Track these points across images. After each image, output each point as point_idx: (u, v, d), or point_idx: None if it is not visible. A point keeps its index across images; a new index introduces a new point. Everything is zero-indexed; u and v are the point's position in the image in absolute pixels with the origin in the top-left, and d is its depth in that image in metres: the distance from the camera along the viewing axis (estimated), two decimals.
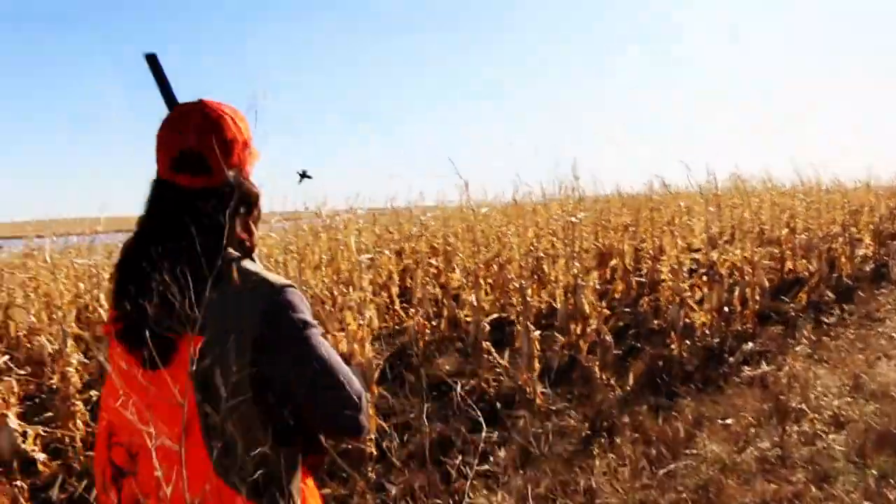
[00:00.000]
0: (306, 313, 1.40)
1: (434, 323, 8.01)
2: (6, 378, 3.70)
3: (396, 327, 8.33)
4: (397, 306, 8.63)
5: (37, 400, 6.07)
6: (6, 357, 4.51)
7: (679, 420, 4.76)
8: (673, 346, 6.26)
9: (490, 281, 9.11)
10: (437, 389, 5.96)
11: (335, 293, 5.66)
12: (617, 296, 8.94)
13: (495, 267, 8.76)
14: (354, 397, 1.40)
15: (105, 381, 1.51)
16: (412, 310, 7.33)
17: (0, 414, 3.58)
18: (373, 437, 4.29)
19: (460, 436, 4.82)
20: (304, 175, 1.82)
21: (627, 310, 8.35)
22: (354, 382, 1.42)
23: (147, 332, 1.25)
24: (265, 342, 1.32)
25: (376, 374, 4.32)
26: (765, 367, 5.88)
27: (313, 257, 8.23)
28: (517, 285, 7.43)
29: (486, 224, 9.98)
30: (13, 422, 3.56)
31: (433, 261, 9.38)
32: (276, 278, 1.41)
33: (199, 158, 1.39)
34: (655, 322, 7.49)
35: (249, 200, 1.48)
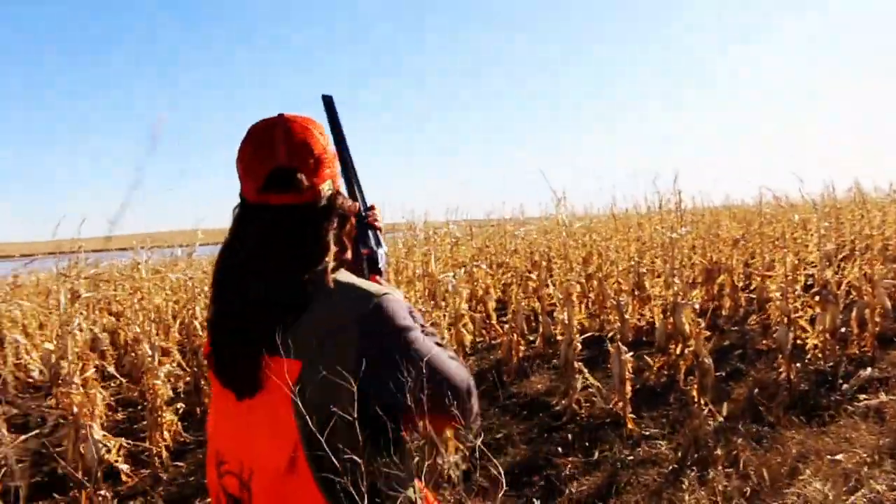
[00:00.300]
0: (405, 318, 1.34)
1: (531, 339, 7.88)
2: (91, 390, 3.84)
3: (492, 342, 8.26)
4: (493, 320, 8.55)
5: (139, 408, 6.36)
6: (108, 366, 4.70)
7: (782, 453, 4.42)
8: (780, 370, 5.87)
9: (591, 296, 8.89)
10: (527, 408, 5.84)
11: (425, 308, 5.63)
12: (724, 313, 8.53)
13: (595, 282, 8.54)
14: (462, 388, 1.35)
15: (211, 406, 1.50)
16: (507, 325, 7.24)
17: (85, 424, 3.71)
18: (451, 459, 4.19)
19: (546, 458, 4.68)
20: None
21: (734, 329, 7.94)
22: (460, 371, 1.37)
23: (239, 361, 1.29)
24: (366, 357, 1.25)
25: None
26: (883, 396, 5.39)
27: (407, 271, 8.24)
28: (615, 302, 7.20)
29: (589, 238, 9.75)
30: (97, 433, 3.69)
31: (532, 275, 9.25)
32: (372, 287, 1.36)
33: (291, 175, 1.34)
34: (763, 342, 7.07)
35: (345, 215, 1.44)
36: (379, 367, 1.26)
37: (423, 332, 1.36)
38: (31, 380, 7.11)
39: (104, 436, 3.73)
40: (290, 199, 1.34)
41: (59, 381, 3.86)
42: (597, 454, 4.68)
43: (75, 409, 3.80)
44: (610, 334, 5.49)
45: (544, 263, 8.66)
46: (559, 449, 4.81)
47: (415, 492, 1.41)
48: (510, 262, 9.42)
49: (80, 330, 5.89)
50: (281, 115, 1.40)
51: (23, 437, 4.16)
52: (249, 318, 1.31)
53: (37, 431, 4.95)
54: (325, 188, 1.38)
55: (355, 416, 1.20)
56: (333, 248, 1.38)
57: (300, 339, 1.25)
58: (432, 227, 9.65)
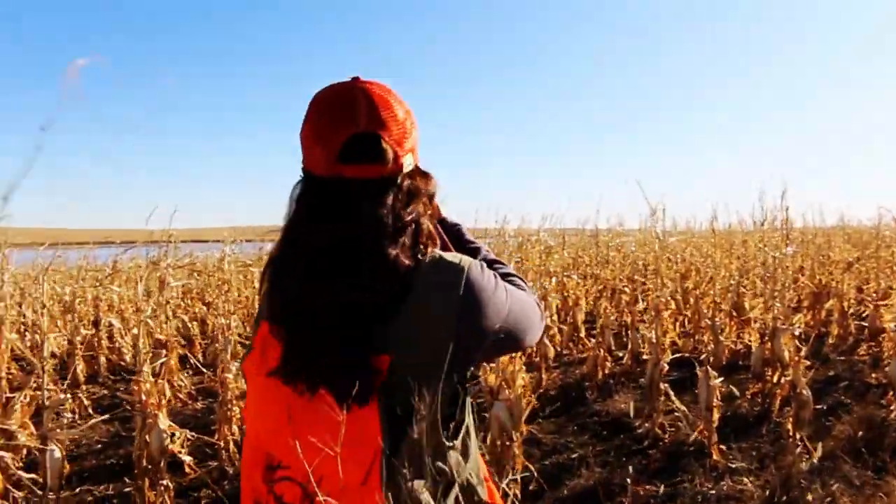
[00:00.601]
0: (490, 280, 1.20)
1: (619, 355, 7.58)
2: (162, 378, 3.89)
3: (578, 356, 8.00)
4: (581, 333, 8.29)
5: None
6: (196, 356, 4.77)
7: (885, 503, 4.02)
8: (891, 408, 5.39)
9: (686, 314, 8.48)
10: (608, 428, 5.58)
11: None
12: (830, 342, 7.96)
13: (692, 300, 8.14)
14: (538, 331, 1.32)
15: (256, 402, 1.28)
16: (595, 339, 6.98)
17: (152, 413, 3.74)
18: (518, 478, 4.02)
19: (622, 485, 4.42)
20: None
21: (841, 359, 7.38)
22: (536, 312, 1.31)
23: (344, 369, 1.11)
24: (462, 338, 1.13)
25: (527, 412, 4.04)
26: None
27: None
28: (710, 322, 6.82)
29: (689, 253, 9.33)
30: (163, 422, 3.72)
31: (626, 288, 8.93)
32: (457, 259, 1.20)
33: (372, 143, 1.17)
34: (873, 376, 6.53)
35: (430, 192, 1.27)
36: (474, 341, 1.16)
37: (497, 281, 1.23)
38: (122, 363, 7.38)
39: (169, 426, 3.76)
40: (370, 171, 1.17)
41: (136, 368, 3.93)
42: (676, 484, 4.39)
43: (143, 397, 3.84)
44: (702, 356, 5.16)
45: (638, 277, 8.33)
46: (636, 475, 4.55)
47: (479, 481, 1.30)
48: (602, 273, 9.12)
49: (168, 319, 6.06)
50: (357, 78, 1.23)
51: (94, 420, 4.27)
52: (344, 318, 1.12)
53: (105, 416, 5.06)
54: (408, 161, 1.21)
55: (440, 396, 1.13)
56: (428, 230, 1.23)
57: (390, 331, 1.11)
58: (525, 234, 9.47)
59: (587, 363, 6.94)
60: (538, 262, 7.88)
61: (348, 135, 1.16)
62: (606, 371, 6.83)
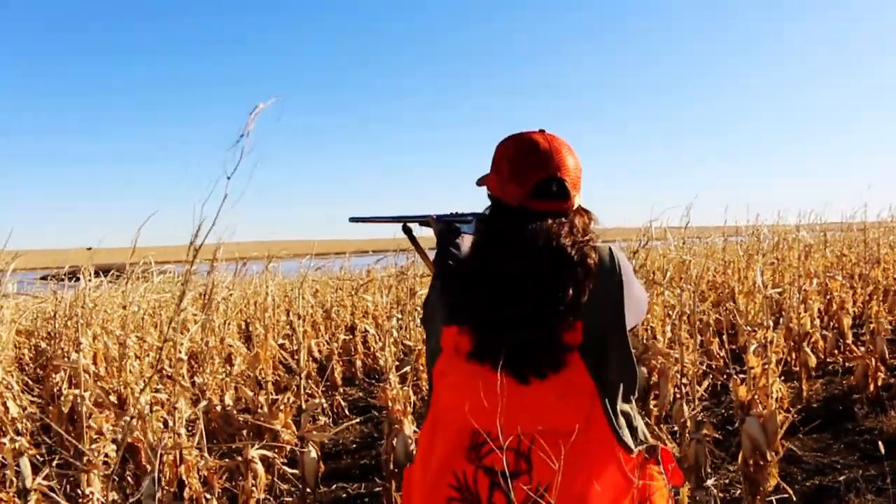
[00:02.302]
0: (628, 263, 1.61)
1: (893, 364, 6.71)
2: (405, 386, 4.04)
3: (846, 365, 7.20)
4: (848, 340, 7.45)
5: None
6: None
7: None
8: None
9: None
10: (882, 448, 4.94)
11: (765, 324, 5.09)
12: None
13: None
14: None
15: (449, 392, 1.60)
16: (864, 346, 6.24)
17: (397, 419, 3.93)
18: (773, 500, 3.68)
19: None
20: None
21: None
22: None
23: (543, 355, 1.45)
24: (620, 302, 1.51)
25: (784, 427, 3.69)
26: None
27: (747, 282, 7.52)
28: None
29: None
30: (408, 428, 3.89)
31: None
32: (602, 245, 1.55)
33: (557, 184, 1.51)
34: None
35: (590, 222, 1.59)
36: (624, 302, 1.51)
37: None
38: (377, 367, 7.87)
39: (415, 431, 3.94)
40: (552, 206, 1.51)
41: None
42: None
43: (390, 403, 4.05)
44: None
45: None
46: None
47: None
48: (872, 274, 8.13)
49: (416, 326, 6.35)
50: (542, 131, 1.58)
51: (347, 423, 4.57)
52: (549, 315, 1.45)
53: (359, 418, 5.41)
54: (577, 200, 1.56)
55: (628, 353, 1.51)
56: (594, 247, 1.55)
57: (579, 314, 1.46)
58: (781, 232, 8.76)
59: (855, 373, 6.21)
60: (796, 262, 7.19)
61: (540, 177, 1.51)
62: (879, 383, 6.06)
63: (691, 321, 3.63)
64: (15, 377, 4.89)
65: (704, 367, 4.19)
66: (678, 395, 3.94)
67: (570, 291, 1.43)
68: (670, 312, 4.59)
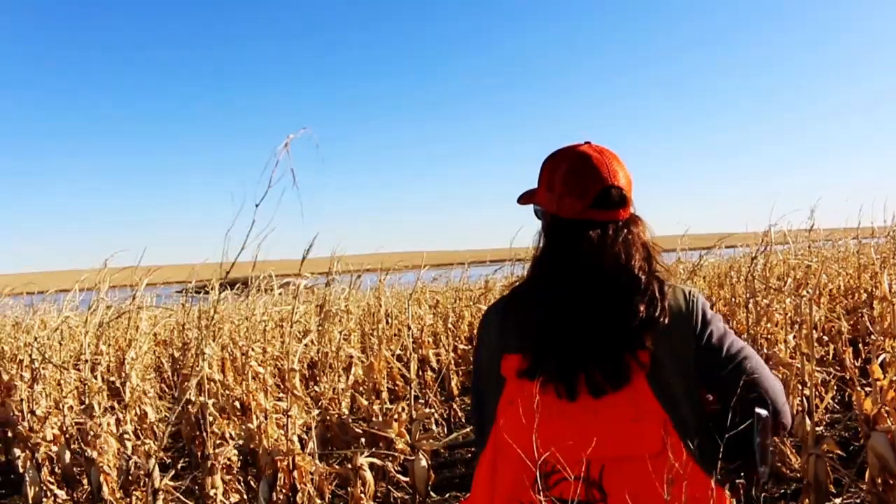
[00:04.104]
0: (716, 313, 1.57)
1: None
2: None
3: None
4: None
5: None
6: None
7: None
8: None
9: None
10: None
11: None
12: None
13: None
14: (776, 380, 1.53)
15: (513, 422, 1.50)
16: None
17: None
18: None
19: None
20: None
21: None
22: (781, 389, 1.53)
23: (606, 363, 1.44)
24: (700, 337, 1.50)
25: None
26: None
27: (882, 286, 6.95)
28: None
29: None
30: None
31: None
32: (684, 286, 1.57)
33: (616, 194, 1.53)
34: None
35: (645, 230, 1.59)
36: (710, 344, 1.50)
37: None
38: None
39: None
40: (613, 215, 1.53)
41: None
42: None
43: None
44: None
45: None
46: None
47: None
48: None
49: None
50: (589, 143, 1.60)
51: (455, 434, 4.58)
52: (614, 326, 1.45)
53: (468, 430, 5.41)
54: (630, 209, 1.58)
55: (697, 391, 1.51)
56: (657, 259, 1.56)
57: (650, 334, 1.45)
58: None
59: None
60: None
61: (599, 187, 1.52)
62: None
63: (809, 328, 3.41)
64: (151, 385, 5.25)
65: (833, 379, 3.92)
66: (801, 408, 3.72)
67: (638, 312, 1.44)
68: (795, 320, 4.33)
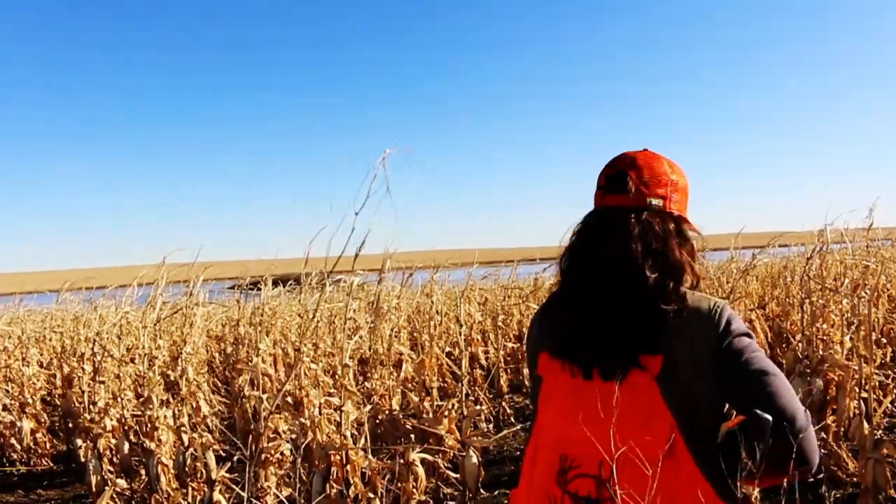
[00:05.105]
0: (744, 325, 1.48)
1: None
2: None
3: None
4: None
5: None
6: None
7: None
8: None
9: None
10: None
11: None
12: None
13: None
14: (799, 407, 1.41)
15: (546, 417, 1.60)
16: None
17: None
18: None
19: None
20: None
21: None
22: (795, 398, 1.42)
23: (604, 349, 1.46)
24: (718, 352, 1.43)
25: None
26: None
27: None
28: None
29: None
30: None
31: None
32: (713, 297, 1.52)
33: (621, 178, 1.55)
34: None
35: (681, 231, 1.57)
36: (727, 361, 1.43)
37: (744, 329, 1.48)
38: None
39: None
40: (620, 200, 1.54)
41: None
42: None
43: None
44: None
45: None
46: None
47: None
48: None
49: None
50: (647, 150, 1.62)
51: (509, 430, 4.57)
52: (621, 316, 1.46)
53: (521, 425, 5.40)
54: (653, 201, 1.54)
55: (713, 403, 1.44)
56: (679, 257, 1.52)
57: (662, 339, 1.43)
58: None
59: None
60: None
61: (608, 171, 1.59)
62: None
63: (868, 330, 3.32)
64: (205, 379, 5.35)
65: (892, 382, 3.80)
66: (857, 411, 3.62)
67: (643, 312, 1.45)
68: (852, 321, 4.21)
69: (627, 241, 1.49)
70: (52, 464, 6.43)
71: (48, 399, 7.94)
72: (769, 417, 1.34)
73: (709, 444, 1.37)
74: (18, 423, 6.41)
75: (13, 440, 6.41)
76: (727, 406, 1.49)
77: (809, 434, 1.38)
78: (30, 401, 6.57)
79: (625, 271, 1.48)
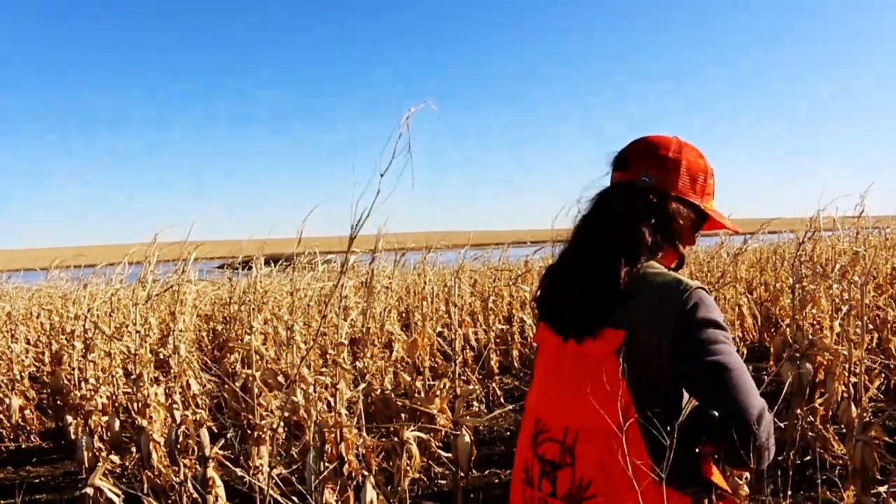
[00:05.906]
0: (715, 314, 1.44)
1: None
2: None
3: None
4: None
5: None
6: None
7: None
8: None
9: None
10: None
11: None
12: None
13: None
14: (754, 404, 1.36)
15: (534, 379, 1.70)
16: None
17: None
18: None
19: None
20: None
21: None
22: (754, 395, 1.38)
23: (573, 311, 1.52)
24: (679, 335, 1.41)
25: None
26: None
27: None
28: None
29: None
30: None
31: None
32: (688, 279, 1.49)
33: (623, 157, 1.63)
34: None
35: (665, 208, 1.56)
36: (686, 347, 1.40)
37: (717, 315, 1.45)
38: (533, 357, 7.84)
39: None
40: (619, 176, 1.62)
41: None
42: None
43: None
44: None
45: None
46: None
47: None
48: None
49: None
50: (677, 137, 1.64)
51: (500, 410, 4.59)
52: (586, 289, 1.52)
53: (512, 406, 5.44)
54: (644, 176, 1.57)
55: (667, 386, 1.43)
56: (645, 234, 1.52)
57: (626, 312, 1.45)
58: None
59: None
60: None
61: (621, 152, 1.65)
62: None
63: (860, 314, 3.35)
64: (195, 357, 5.34)
65: (878, 366, 3.84)
66: (846, 395, 3.67)
67: (594, 282, 1.50)
68: (841, 307, 4.26)
69: (596, 213, 1.60)
70: (40, 440, 6.41)
71: (36, 376, 7.92)
72: (715, 414, 1.32)
73: (661, 422, 1.30)
74: (7, 400, 6.39)
75: (2, 417, 6.39)
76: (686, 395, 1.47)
77: (759, 434, 1.33)
78: (18, 378, 6.54)
79: (586, 243, 1.58)
